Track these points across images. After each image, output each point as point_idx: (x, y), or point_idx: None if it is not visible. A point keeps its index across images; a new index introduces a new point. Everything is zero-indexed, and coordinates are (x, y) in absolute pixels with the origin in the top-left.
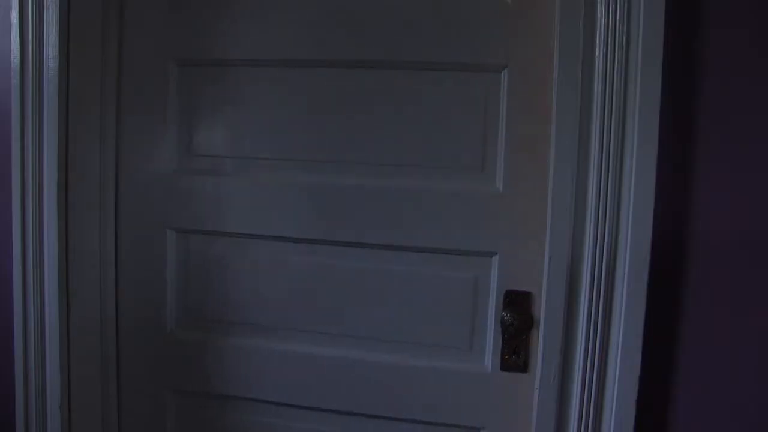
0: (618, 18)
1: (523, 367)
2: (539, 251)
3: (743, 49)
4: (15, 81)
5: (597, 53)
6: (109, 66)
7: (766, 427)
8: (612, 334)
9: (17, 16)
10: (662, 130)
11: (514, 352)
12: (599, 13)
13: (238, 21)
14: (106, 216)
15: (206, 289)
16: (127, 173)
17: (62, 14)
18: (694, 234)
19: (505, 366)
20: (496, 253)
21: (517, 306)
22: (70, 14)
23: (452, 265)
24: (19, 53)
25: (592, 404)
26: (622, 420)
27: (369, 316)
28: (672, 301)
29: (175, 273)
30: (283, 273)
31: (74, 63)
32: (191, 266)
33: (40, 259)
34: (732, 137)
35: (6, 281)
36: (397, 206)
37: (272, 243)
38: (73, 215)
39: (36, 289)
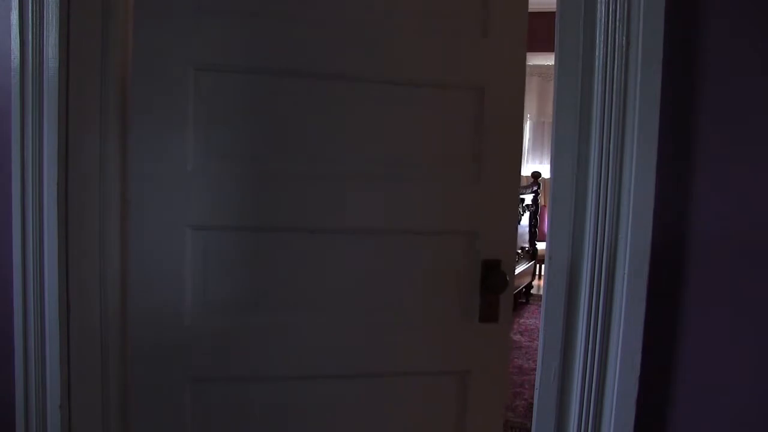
0: (618, 18)
1: (496, 318)
2: (507, 230)
3: (743, 49)
4: (15, 81)
5: (597, 53)
6: (114, 66)
7: (765, 427)
8: (612, 334)
9: (17, 16)
10: (662, 130)
11: (489, 307)
12: (599, 13)
13: (237, 28)
14: (106, 215)
15: (220, 281)
16: (140, 173)
17: (62, 14)
18: (694, 234)
19: (484, 318)
20: (476, 231)
21: (491, 270)
22: (70, 14)
23: (448, 243)
24: (19, 53)
25: (592, 404)
26: (622, 420)
27: (381, 289)
28: (672, 301)
29: (191, 267)
30: (292, 258)
31: (74, 63)
32: (206, 260)
33: (40, 259)
34: (732, 137)
35: (6, 281)
36: (396, 197)
37: (283, 233)
38: (73, 215)
39: (36, 290)
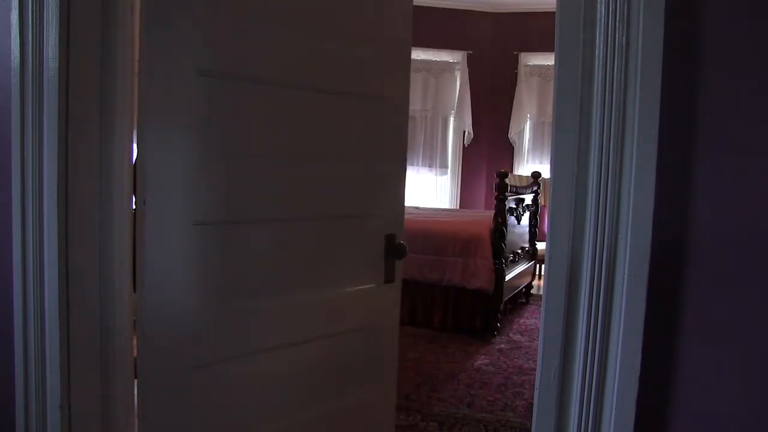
0: (618, 18)
1: (393, 279)
2: (399, 211)
3: (743, 49)
4: (15, 81)
5: (597, 53)
6: (114, 67)
7: (765, 427)
8: (612, 334)
9: (17, 16)
10: (662, 129)
11: (390, 271)
12: (599, 13)
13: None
14: (107, 215)
15: (221, 270)
16: (148, 172)
17: (62, 14)
18: (694, 234)
19: (387, 280)
20: (382, 213)
21: (390, 242)
22: (70, 14)
23: (359, 222)
24: (19, 53)
25: (592, 404)
26: (622, 420)
27: (321, 267)
28: (672, 301)
29: (197, 260)
30: (271, 245)
31: (74, 63)
32: (208, 253)
33: (40, 259)
34: (732, 137)
35: (6, 281)
36: (323, 190)
37: (265, 225)
38: (73, 215)
39: (36, 290)
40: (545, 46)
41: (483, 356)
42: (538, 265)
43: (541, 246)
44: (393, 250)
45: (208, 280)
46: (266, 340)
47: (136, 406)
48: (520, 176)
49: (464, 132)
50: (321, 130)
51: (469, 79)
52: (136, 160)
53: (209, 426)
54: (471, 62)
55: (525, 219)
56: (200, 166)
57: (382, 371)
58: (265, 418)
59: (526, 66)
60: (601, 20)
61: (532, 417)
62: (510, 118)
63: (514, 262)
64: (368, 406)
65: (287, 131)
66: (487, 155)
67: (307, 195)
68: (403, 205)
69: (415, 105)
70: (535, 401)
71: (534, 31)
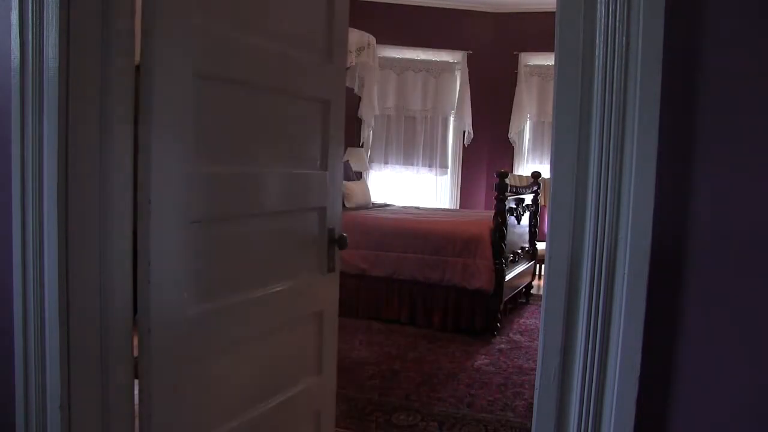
0: (618, 18)
1: (335, 269)
2: (338, 206)
3: (743, 49)
4: (15, 81)
5: (597, 53)
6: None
7: (766, 427)
8: (612, 334)
9: (17, 16)
10: (662, 130)
11: (332, 260)
12: (599, 13)
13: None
14: (107, 215)
15: (210, 267)
16: (152, 171)
17: (62, 14)
18: (694, 234)
19: (329, 269)
20: (326, 207)
21: (331, 234)
22: (70, 14)
23: (310, 216)
24: (19, 53)
25: (592, 404)
26: (622, 420)
27: (280, 259)
28: (672, 301)
29: (192, 257)
30: (243, 241)
31: (74, 63)
32: (201, 249)
33: (39, 259)
34: (732, 137)
35: (6, 281)
36: (285, 187)
37: (243, 219)
38: (73, 215)
39: (36, 290)
40: (545, 46)
41: (483, 356)
42: (538, 265)
43: (541, 246)
44: (335, 241)
45: (199, 276)
46: (242, 332)
47: (136, 406)
48: (520, 176)
49: (464, 132)
50: (282, 130)
51: (469, 79)
52: (137, 159)
53: (200, 420)
54: (471, 62)
55: (525, 219)
56: (193, 165)
57: (325, 358)
58: (237, 410)
59: (526, 66)
60: (601, 20)
61: (532, 417)
62: (510, 118)
63: (514, 262)
64: (313, 393)
65: (258, 131)
66: (487, 155)
67: (270, 190)
68: (341, 201)
69: (415, 105)
70: (535, 401)
71: (534, 31)
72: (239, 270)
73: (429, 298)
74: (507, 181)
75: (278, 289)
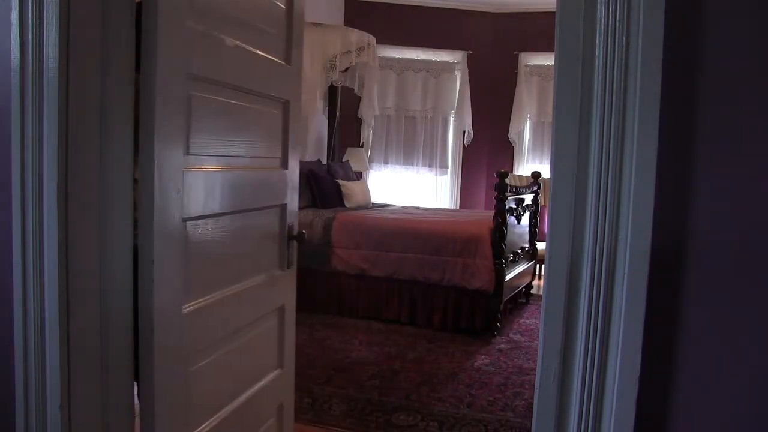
0: (618, 18)
1: (293, 264)
2: (295, 203)
3: (743, 49)
4: (15, 81)
5: (597, 53)
6: (114, 67)
7: (766, 427)
8: (612, 334)
9: (17, 16)
10: (662, 130)
11: (291, 256)
12: (599, 13)
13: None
14: (107, 215)
15: (198, 263)
16: (153, 171)
17: (62, 14)
18: (694, 234)
19: (289, 265)
20: (286, 204)
21: (290, 230)
22: (70, 14)
23: (272, 213)
24: (19, 53)
25: (592, 404)
26: (622, 420)
27: (254, 255)
28: (672, 301)
29: (184, 255)
30: (227, 235)
31: (74, 63)
32: (191, 245)
33: (39, 259)
34: (732, 137)
35: (6, 282)
36: (255, 185)
37: (224, 217)
38: (73, 215)
39: (36, 290)
40: (545, 46)
41: (483, 356)
42: (538, 265)
43: (541, 246)
44: (294, 237)
45: (189, 274)
46: (223, 329)
47: (136, 406)
48: (520, 176)
49: (464, 132)
50: (253, 130)
51: (469, 79)
52: (138, 159)
53: (188, 419)
54: (471, 62)
55: (525, 219)
56: (185, 163)
57: (286, 352)
58: (219, 406)
59: (526, 66)
60: (601, 20)
61: (532, 417)
62: (510, 118)
63: (514, 262)
64: (276, 387)
65: (234, 131)
66: (487, 155)
67: (245, 188)
68: (297, 198)
69: (415, 105)
70: (535, 401)
71: (534, 31)
72: (220, 267)
73: (429, 298)
74: (507, 181)
75: (250, 285)
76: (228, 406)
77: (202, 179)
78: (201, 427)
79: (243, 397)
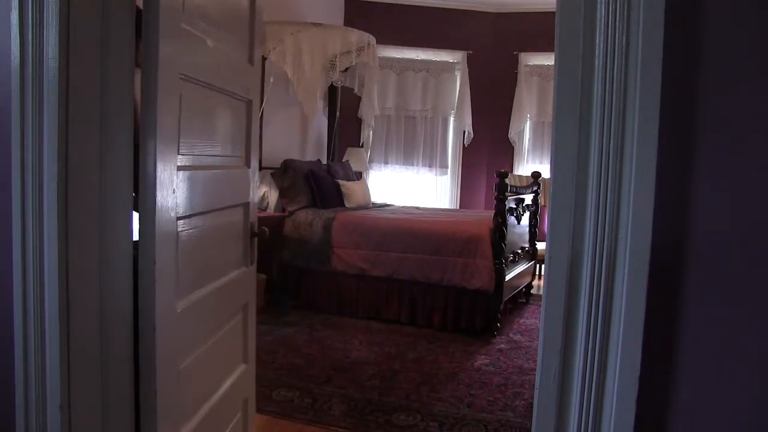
0: (618, 18)
1: (255, 261)
2: (254, 200)
3: (743, 49)
4: (15, 81)
5: (597, 53)
6: (115, 67)
7: (766, 427)
8: (612, 334)
9: (17, 16)
10: (662, 130)
11: (253, 253)
12: (599, 13)
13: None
14: (107, 215)
15: (186, 260)
16: (155, 170)
17: (62, 14)
18: (694, 234)
19: (252, 262)
20: (249, 203)
21: (252, 228)
22: (70, 14)
23: (239, 211)
24: (19, 53)
25: (592, 404)
26: (622, 420)
27: (225, 254)
28: (672, 301)
29: (176, 253)
30: (206, 233)
31: (74, 63)
32: (181, 244)
33: (39, 259)
34: (732, 136)
35: (6, 281)
36: (227, 183)
37: (205, 215)
38: (73, 215)
39: (36, 289)
40: (545, 46)
41: (483, 356)
42: (538, 265)
43: (541, 246)
44: (255, 234)
45: (180, 272)
46: (206, 325)
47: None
48: (520, 176)
49: (464, 132)
50: (226, 129)
51: (469, 79)
52: (139, 158)
53: (181, 416)
54: (471, 62)
55: (525, 219)
56: (178, 162)
57: (249, 348)
58: (201, 402)
59: (526, 66)
60: (601, 20)
61: (532, 417)
62: (510, 118)
63: (514, 262)
64: (242, 381)
65: (213, 130)
66: (487, 155)
67: (222, 186)
68: (257, 195)
69: (415, 105)
70: (535, 401)
71: (534, 31)
72: (203, 264)
73: (429, 298)
74: (507, 181)
75: (225, 282)
76: (207, 403)
77: (189, 178)
78: (188, 425)
79: (219, 393)
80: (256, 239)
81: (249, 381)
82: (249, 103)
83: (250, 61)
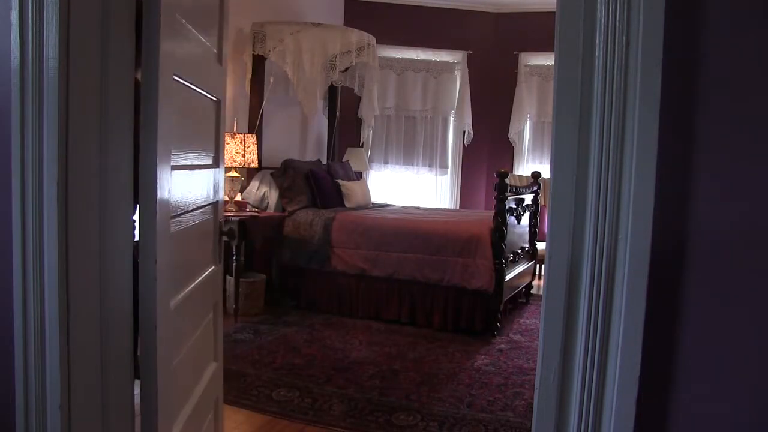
0: (618, 18)
1: (222, 260)
2: (222, 199)
3: (743, 49)
4: (15, 81)
5: (597, 53)
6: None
7: (766, 427)
8: (612, 334)
9: (17, 16)
10: (662, 130)
11: (221, 252)
12: (599, 13)
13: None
14: (107, 215)
15: (176, 258)
16: (156, 169)
17: (62, 14)
18: (694, 234)
19: (220, 261)
20: (218, 201)
21: (220, 227)
22: (70, 14)
23: (211, 210)
24: (19, 53)
25: (592, 404)
26: (622, 420)
27: (199, 254)
28: (672, 301)
29: (171, 251)
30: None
31: (74, 63)
32: (173, 242)
33: (39, 259)
34: (732, 136)
35: (6, 281)
36: (203, 183)
37: (189, 214)
38: (73, 215)
39: (36, 289)
40: (545, 46)
41: (483, 356)
42: (538, 265)
43: (541, 246)
44: (224, 233)
45: (174, 271)
46: (190, 324)
47: (137, 406)
48: (520, 176)
49: (464, 132)
50: (202, 128)
51: (469, 79)
52: (140, 157)
53: (173, 414)
54: (471, 62)
55: (525, 219)
56: (172, 160)
57: (218, 346)
58: (184, 401)
59: (526, 66)
60: (601, 20)
61: (532, 417)
62: (510, 118)
63: (514, 262)
64: (214, 379)
65: (193, 129)
66: (487, 155)
67: (201, 185)
68: (223, 194)
69: (415, 105)
70: (535, 401)
71: (534, 31)
72: (187, 262)
73: (429, 298)
74: (507, 181)
75: (203, 280)
76: (189, 402)
77: (178, 176)
78: (178, 424)
79: (199, 391)
80: (222, 238)
81: (219, 379)
82: (218, 103)
83: (219, 60)
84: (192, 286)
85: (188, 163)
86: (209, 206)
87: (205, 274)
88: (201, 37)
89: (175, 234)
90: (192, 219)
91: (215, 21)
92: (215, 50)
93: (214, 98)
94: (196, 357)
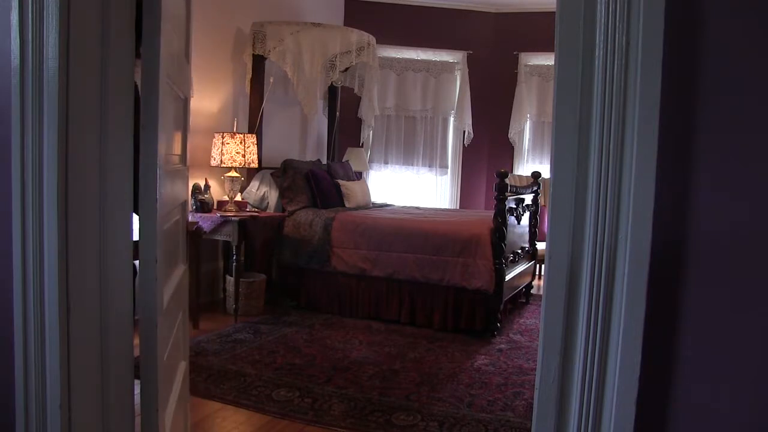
0: (618, 18)
1: (188, 260)
2: (187, 199)
3: (743, 49)
4: (15, 81)
5: (597, 53)
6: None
7: (766, 428)
8: (612, 334)
9: (17, 16)
10: (662, 130)
11: (187, 251)
12: (599, 13)
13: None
14: (107, 215)
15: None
16: (156, 169)
17: (62, 14)
18: (694, 233)
19: (188, 261)
20: (186, 201)
21: (188, 227)
22: (70, 14)
23: (180, 209)
24: (19, 53)
25: (592, 404)
26: (622, 420)
27: (173, 246)
28: (672, 301)
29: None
30: (170, 232)
31: (74, 63)
32: (165, 240)
33: (39, 259)
34: (732, 136)
35: (6, 281)
36: (176, 181)
37: (169, 213)
38: (73, 215)
39: (36, 289)
40: (545, 46)
41: (483, 356)
42: (538, 265)
43: (541, 246)
44: (195, 232)
45: (166, 271)
46: (172, 324)
47: (137, 406)
48: (520, 176)
49: (464, 132)
50: (178, 127)
51: (469, 79)
52: (140, 157)
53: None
54: (471, 62)
55: (525, 219)
56: (163, 159)
57: (184, 346)
58: (165, 401)
59: (526, 66)
60: (601, 20)
61: (532, 417)
62: (510, 118)
63: (514, 262)
64: (184, 379)
65: (174, 129)
66: (487, 155)
67: (176, 184)
68: (188, 194)
69: (415, 105)
70: (535, 401)
71: (534, 31)
72: (169, 262)
73: (429, 298)
74: (507, 181)
75: (178, 279)
76: (170, 401)
77: (166, 176)
78: (167, 423)
79: (175, 390)
80: (188, 237)
81: (188, 378)
82: (186, 102)
83: (187, 58)
84: (173, 283)
85: (170, 162)
86: (179, 206)
87: (179, 272)
88: (174, 35)
89: (166, 233)
90: (171, 218)
91: (182, 17)
92: (183, 47)
93: (183, 96)
94: (174, 356)
